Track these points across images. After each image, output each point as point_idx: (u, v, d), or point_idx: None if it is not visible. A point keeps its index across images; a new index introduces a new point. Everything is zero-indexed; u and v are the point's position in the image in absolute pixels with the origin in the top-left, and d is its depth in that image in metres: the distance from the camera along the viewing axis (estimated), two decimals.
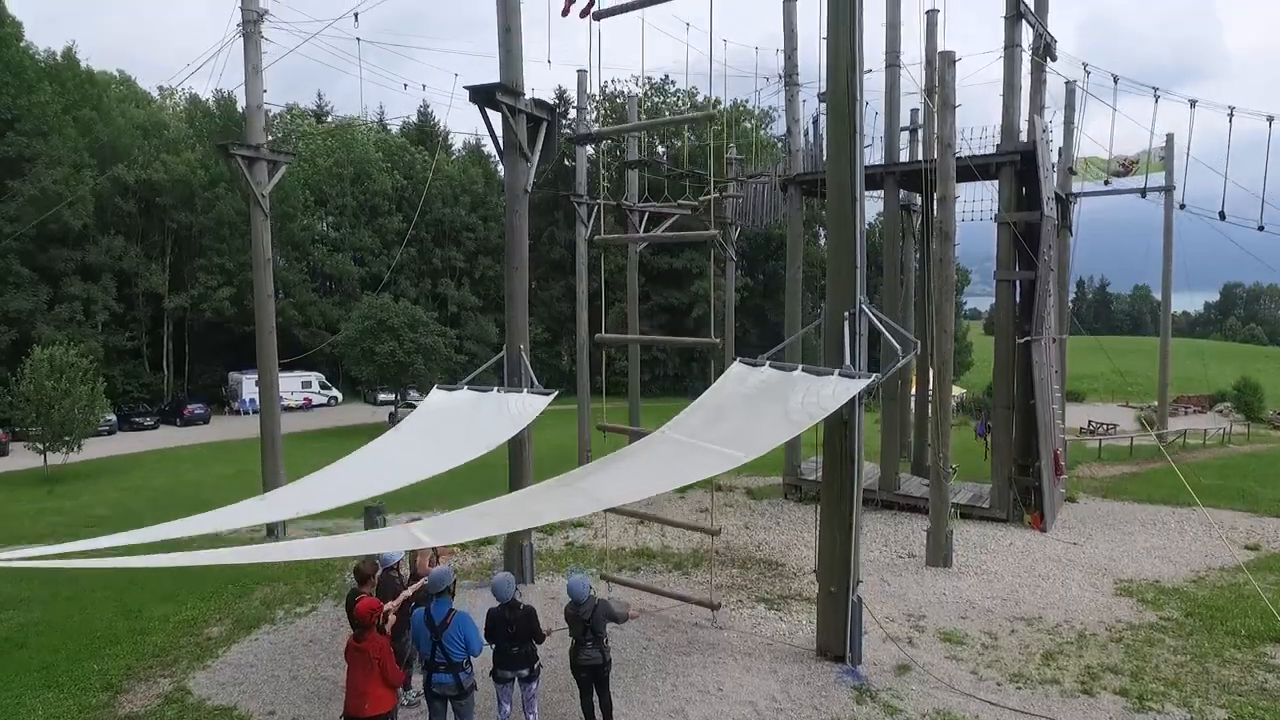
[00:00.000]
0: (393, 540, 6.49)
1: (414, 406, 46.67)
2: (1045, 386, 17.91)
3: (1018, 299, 18.19)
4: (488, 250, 64.71)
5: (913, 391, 23.42)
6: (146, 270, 49.98)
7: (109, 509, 21.69)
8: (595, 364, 66.79)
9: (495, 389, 11.78)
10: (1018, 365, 18.04)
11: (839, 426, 8.78)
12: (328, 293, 59.73)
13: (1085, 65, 22.86)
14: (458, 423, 11.01)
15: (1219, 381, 73.05)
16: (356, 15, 16.96)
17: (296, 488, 8.99)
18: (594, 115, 68.03)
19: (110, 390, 50.03)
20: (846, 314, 8.78)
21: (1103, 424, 41.50)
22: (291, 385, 55.65)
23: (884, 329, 8.68)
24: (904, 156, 24.61)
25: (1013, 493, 18.25)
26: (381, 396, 52.88)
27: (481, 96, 11.46)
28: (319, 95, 78.97)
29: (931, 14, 21.35)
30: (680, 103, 68.18)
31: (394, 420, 46.36)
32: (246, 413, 52.95)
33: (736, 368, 9.76)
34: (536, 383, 12.21)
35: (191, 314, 51.64)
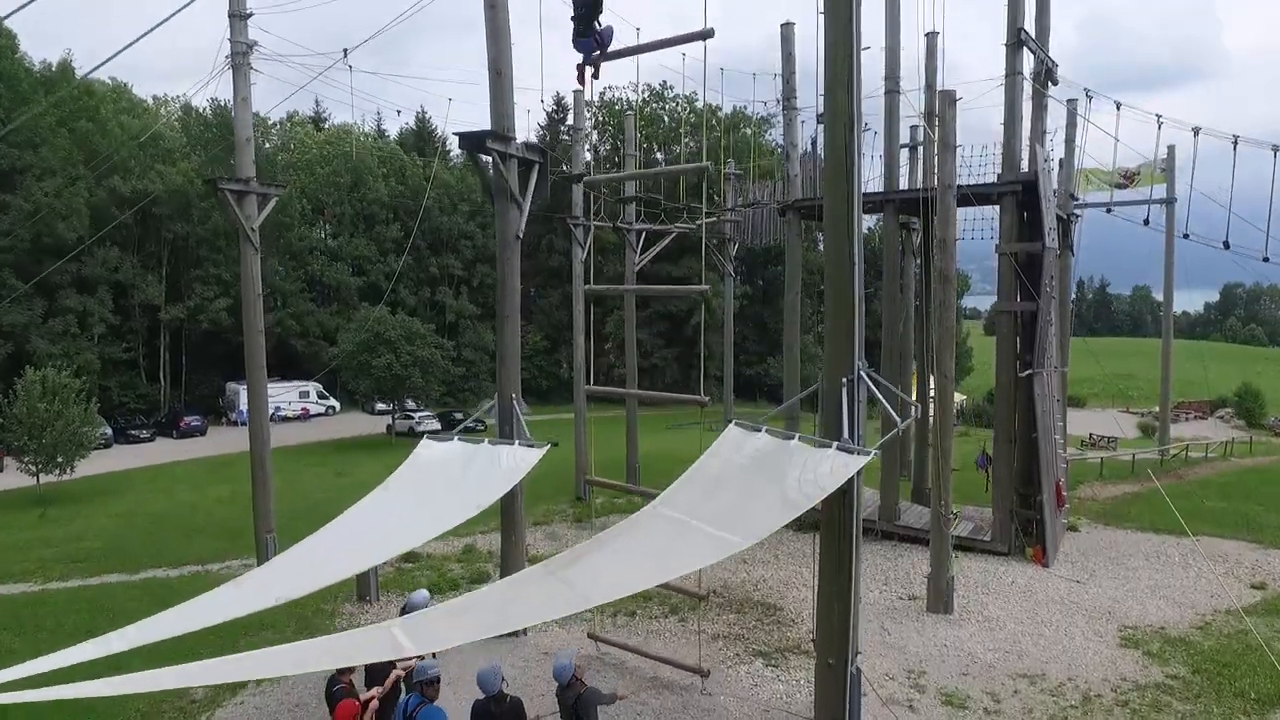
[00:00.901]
0: (373, 646, 6.24)
1: (411, 417, 46.99)
2: (1047, 419, 17.66)
3: (1018, 330, 17.94)
4: (486, 258, 64.39)
5: (913, 400, 23.07)
6: (143, 281, 49.73)
7: (99, 539, 21.43)
8: (595, 373, 66.76)
9: (486, 441, 11.52)
10: (1019, 398, 17.78)
11: (838, 495, 8.52)
12: (325, 302, 59.44)
13: (1087, 90, 22.54)
14: (448, 479, 10.75)
15: (1219, 384, 72.79)
16: (346, 51, 16.64)
17: (278, 565, 8.68)
18: (591, 123, 67.81)
19: (107, 401, 50.15)
20: (845, 381, 8.51)
21: (1104, 437, 41.22)
22: (289, 395, 55.48)
23: (883, 397, 8.40)
24: (904, 169, 24.41)
25: (1014, 525, 18.00)
26: (379, 406, 52.67)
27: (471, 143, 11.20)
28: (316, 102, 78.37)
29: (931, 36, 21.13)
30: (679, 108, 67.92)
31: (391, 432, 46.17)
32: (244, 424, 52.68)
33: (733, 432, 9.49)
34: (528, 433, 11.94)
35: (188, 325, 51.37)
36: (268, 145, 62.88)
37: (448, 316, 62.69)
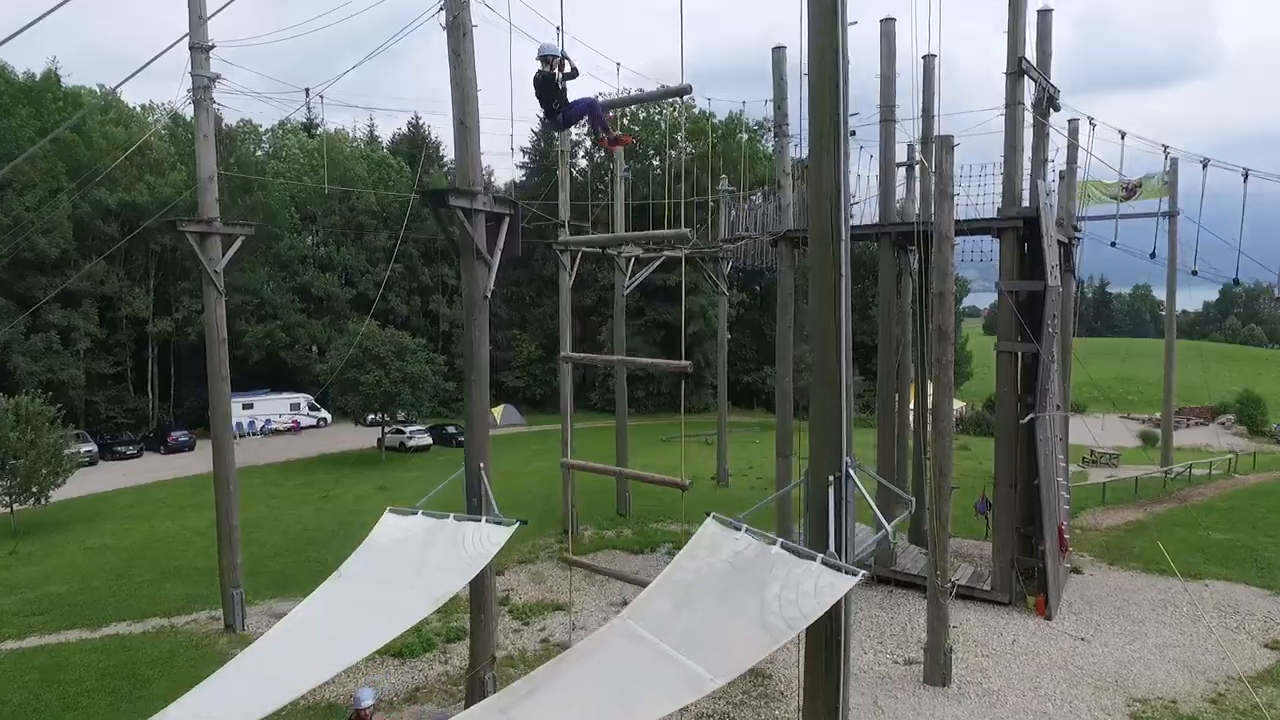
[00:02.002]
0: None
1: (402, 431, 46.20)
2: (1049, 464, 16.93)
3: (1019, 371, 17.19)
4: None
5: (910, 407, 22.08)
6: (130, 294, 48.95)
7: (67, 581, 20.68)
8: (590, 381, 66.00)
9: (451, 517, 10.76)
10: (1020, 440, 17.05)
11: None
12: (316, 313, 58.64)
13: (1091, 120, 21.78)
14: (407, 565, 10.00)
15: (1219, 385, 72.12)
16: (308, 91, 15.88)
17: (213, 689, 7.84)
18: (586, 129, 67.00)
19: (94, 415, 49.45)
20: (832, 478, 7.78)
21: (1105, 453, 40.46)
22: (279, 408, 54.79)
23: (871, 501, 7.68)
24: (899, 183, 23.60)
25: (1015, 573, 17.28)
26: (370, 417, 51.90)
27: (434, 200, 10.45)
28: (308, 109, 77.59)
29: (928, 59, 20.35)
30: (674, 112, 67.01)
31: (381, 445, 45.37)
32: (234, 437, 51.98)
33: (711, 526, 8.76)
34: (496, 507, 11.18)
35: (177, 337, 50.60)
36: (259, 152, 62.13)
37: (441, 325, 61.93)
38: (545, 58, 8.92)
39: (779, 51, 19.45)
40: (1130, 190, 38.11)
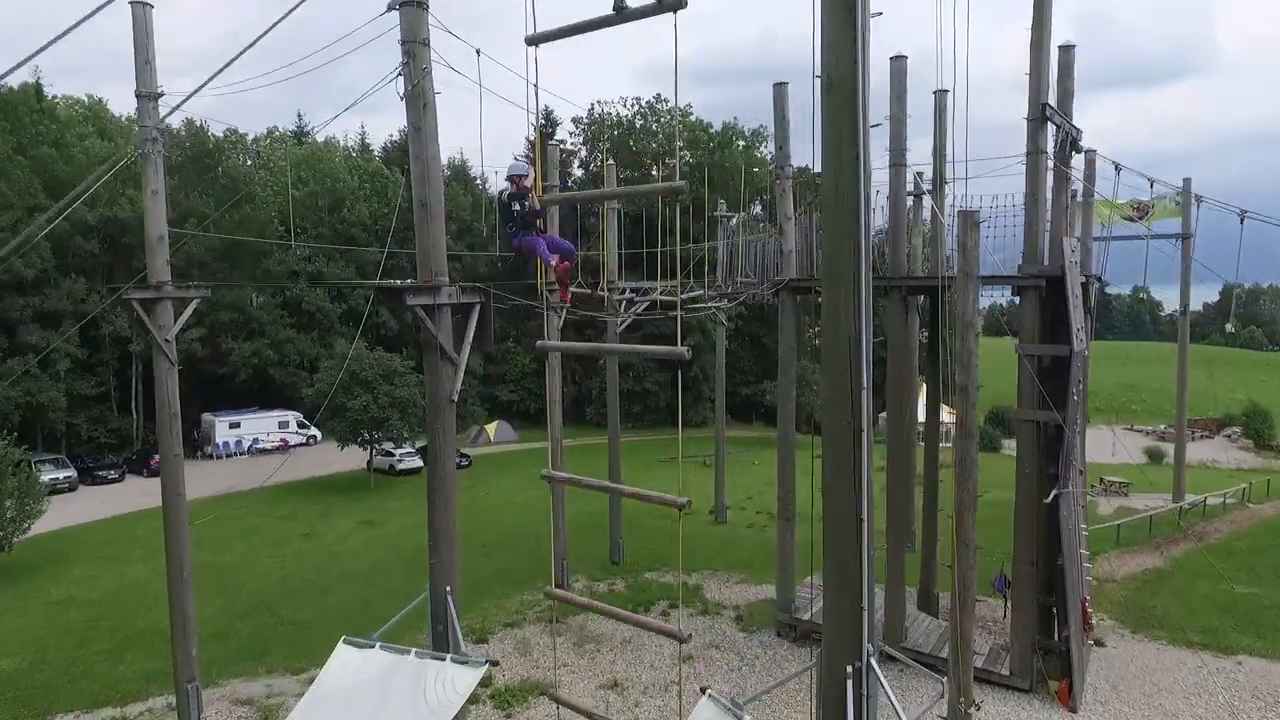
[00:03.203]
0: None
1: (391, 454, 44.91)
2: (1073, 542, 15.68)
3: (1040, 441, 15.92)
4: (473, 278, 62.31)
5: (919, 434, 20.61)
6: (113, 312, 47.53)
7: (20, 653, 19.40)
8: (586, 395, 64.65)
9: (412, 653, 9.49)
10: (1041, 515, 15.78)
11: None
12: (306, 327, 57.28)
13: (1116, 165, 20.53)
14: (359, 714, 8.75)
15: (1223, 393, 70.77)
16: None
17: None
18: (581, 138, 65.72)
19: (74, 437, 48.13)
20: (850, 669, 6.52)
21: (1115, 481, 39.20)
22: (267, 426, 53.45)
23: (892, 699, 6.47)
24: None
25: (1037, 655, 16.04)
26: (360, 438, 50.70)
27: (390, 298, 9.17)
28: (299, 115, 76.26)
29: (940, 94, 19.09)
30: (672, 120, 65.67)
31: (370, 468, 44.06)
32: (220, 456, 50.76)
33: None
34: (462, 641, 9.89)
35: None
36: (248, 162, 60.79)
37: None
38: (511, 178, 8.78)
39: (780, 88, 18.13)
40: (1142, 211, 36.88)
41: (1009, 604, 16.90)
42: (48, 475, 41.67)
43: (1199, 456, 52.43)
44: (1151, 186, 33.42)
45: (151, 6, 13.64)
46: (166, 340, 13.87)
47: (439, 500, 10.02)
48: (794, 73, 17.27)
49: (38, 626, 21.44)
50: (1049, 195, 15.54)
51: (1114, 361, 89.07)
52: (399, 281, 9.19)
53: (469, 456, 48.21)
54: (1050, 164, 15.39)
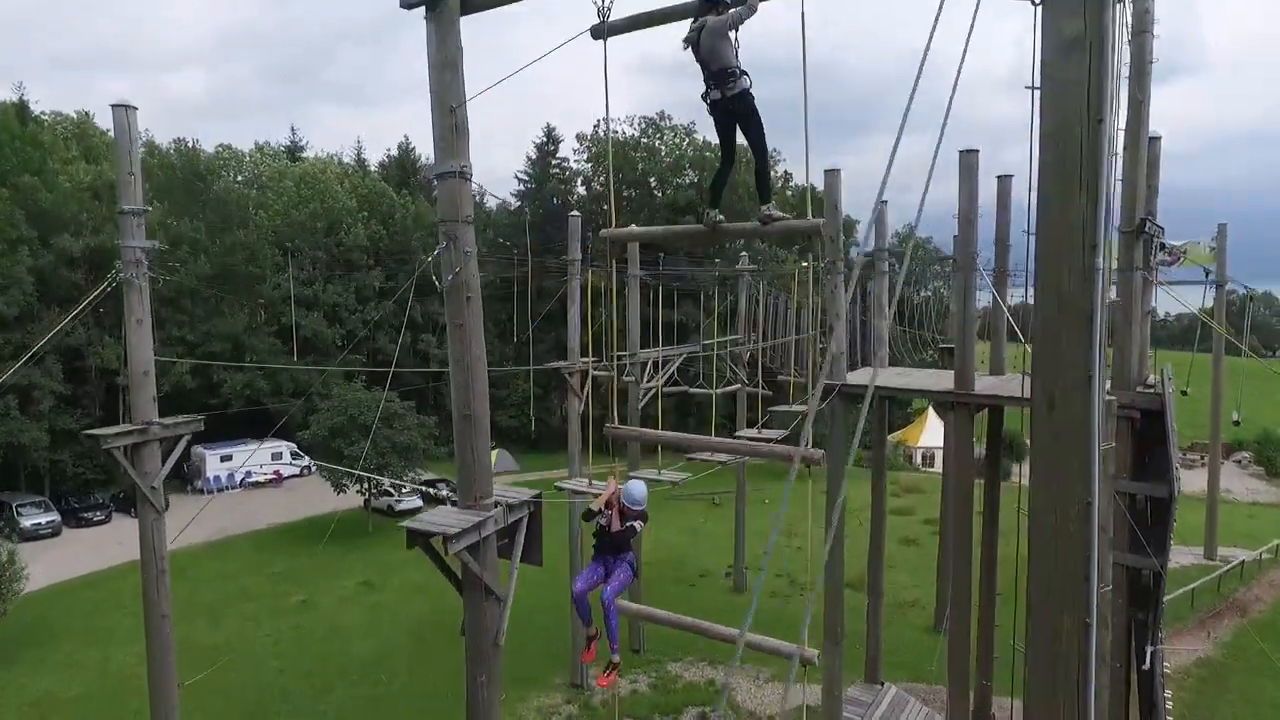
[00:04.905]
0: None
1: (391, 494, 43.21)
2: (1160, 694, 14.15)
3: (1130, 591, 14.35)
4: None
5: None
6: (99, 343, 45.73)
7: None
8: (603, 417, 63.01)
9: None
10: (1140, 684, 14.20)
11: None
12: (301, 353, 55.45)
13: (1145, 219, 18.89)
14: None
15: (1226, 407, 69.39)
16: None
17: None
18: (585, 156, 63.91)
19: (59, 475, 46.18)
20: None
21: None
22: (260, 458, 51.50)
23: None
24: None
25: None
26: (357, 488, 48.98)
27: (422, 541, 7.51)
28: (292, 130, 74.20)
29: (1004, 180, 17.49)
30: (678, 139, 63.97)
31: (368, 508, 42.31)
32: (211, 492, 48.90)
33: None
34: None
35: None
36: (239, 179, 58.84)
37: (431, 365, 58.82)
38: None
39: (832, 175, 16.48)
40: (1174, 256, 35.42)
41: None
42: (30, 520, 39.90)
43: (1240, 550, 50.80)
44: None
45: (135, 109, 11.92)
46: (153, 487, 12.16)
47: None
48: (792, 72, 15.60)
49: None
50: (1139, 312, 13.97)
51: None
52: (431, 523, 7.48)
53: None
54: (1148, 278, 13.82)
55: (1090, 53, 4.09)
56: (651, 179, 61.58)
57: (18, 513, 40.01)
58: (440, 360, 58.46)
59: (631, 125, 61.70)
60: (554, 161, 63.18)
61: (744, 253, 29.59)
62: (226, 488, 49.33)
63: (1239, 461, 67.30)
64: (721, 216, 6.64)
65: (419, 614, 28.47)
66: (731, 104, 6.01)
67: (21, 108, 47.24)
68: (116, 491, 46.01)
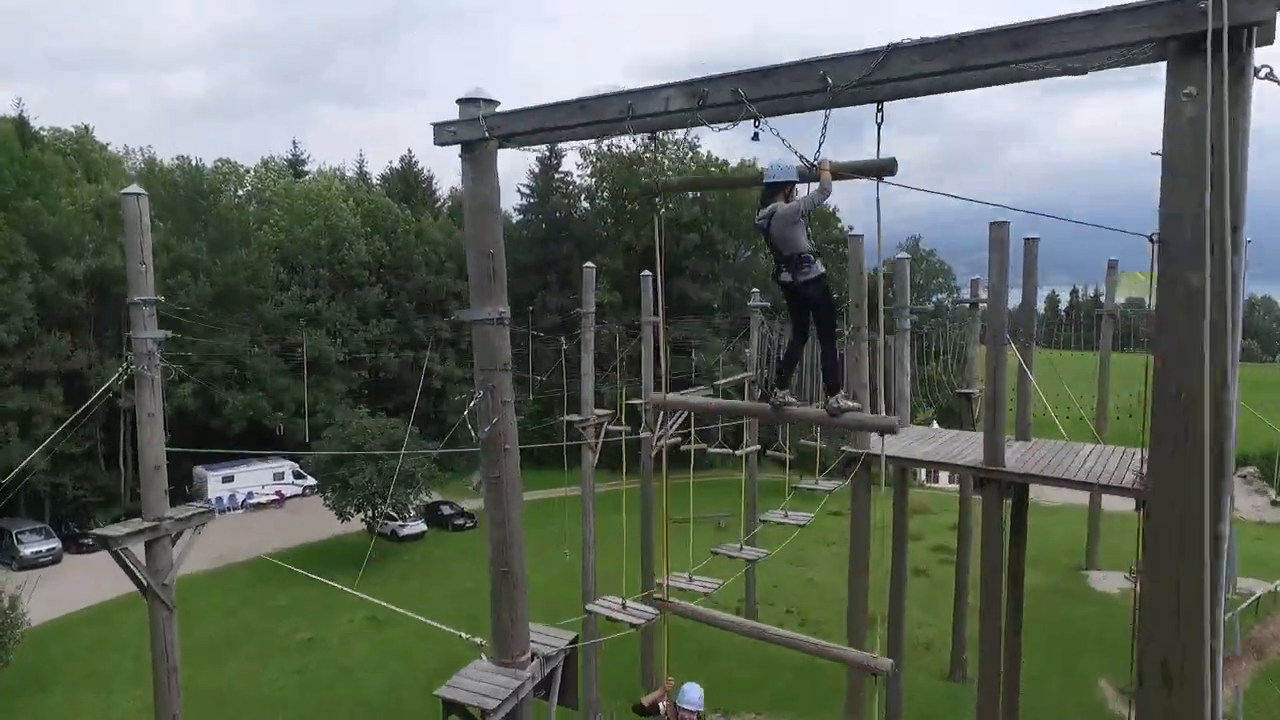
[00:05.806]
0: None
1: (394, 518, 42.78)
2: None
3: None
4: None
5: None
6: (100, 366, 45.27)
7: None
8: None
9: None
10: None
11: None
12: (304, 372, 55.08)
13: (1151, 237, 18.53)
14: None
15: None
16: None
17: None
18: (589, 170, 63.54)
19: (59, 498, 45.77)
20: None
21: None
22: (262, 478, 51.12)
23: None
24: None
25: None
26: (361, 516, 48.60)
27: (455, 711, 7.14)
28: (294, 144, 73.51)
29: (1030, 242, 17.10)
30: (682, 153, 63.64)
31: (372, 532, 41.81)
32: (213, 514, 48.42)
33: None
34: None
35: None
36: (240, 193, 58.44)
37: (434, 382, 58.45)
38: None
39: (857, 239, 16.10)
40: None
41: None
42: (30, 549, 39.46)
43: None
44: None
45: (146, 196, 11.53)
46: (165, 584, 11.78)
47: None
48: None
49: None
50: None
51: (1122, 378, 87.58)
52: (467, 690, 7.10)
53: (474, 516, 45.98)
54: None
55: None
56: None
57: (18, 540, 39.59)
58: (443, 377, 58.14)
59: (634, 140, 61.28)
60: (557, 176, 62.84)
61: (755, 289, 29.11)
62: (229, 509, 48.94)
63: (1244, 477, 66.58)
64: (792, 399, 6.28)
65: (429, 650, 28.05)
66: (805, 289, 5.69)
67: (22, 124, 46.80)
68: (118, 513, 45.62)
